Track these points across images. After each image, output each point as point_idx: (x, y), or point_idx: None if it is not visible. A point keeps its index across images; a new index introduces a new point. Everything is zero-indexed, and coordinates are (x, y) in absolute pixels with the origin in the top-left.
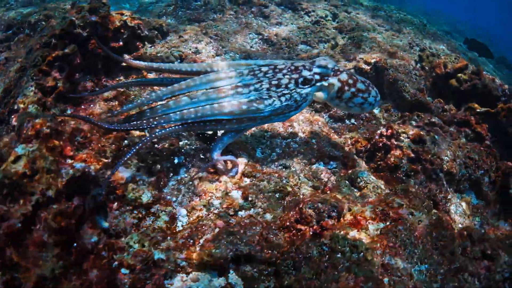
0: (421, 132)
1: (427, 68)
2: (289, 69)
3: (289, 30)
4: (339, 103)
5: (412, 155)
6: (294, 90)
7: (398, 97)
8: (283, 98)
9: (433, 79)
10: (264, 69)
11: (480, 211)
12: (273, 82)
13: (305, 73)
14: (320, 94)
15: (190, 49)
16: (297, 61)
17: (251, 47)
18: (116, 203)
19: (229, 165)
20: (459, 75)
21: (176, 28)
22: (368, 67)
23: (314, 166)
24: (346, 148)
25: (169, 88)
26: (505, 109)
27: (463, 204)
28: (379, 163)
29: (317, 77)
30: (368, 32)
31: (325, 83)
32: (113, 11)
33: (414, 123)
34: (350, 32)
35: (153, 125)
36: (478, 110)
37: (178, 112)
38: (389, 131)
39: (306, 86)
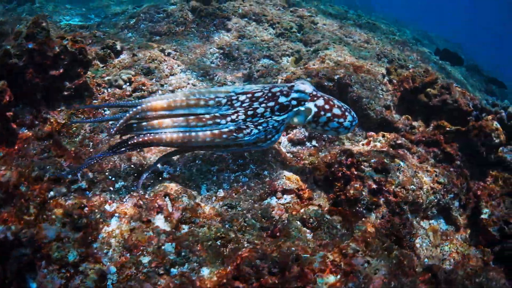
0: (385, 160)
1: (395, 81)
2: (266, 97)
3: (251, 43)
4: (316, 126)
5: (374, 186)
6: (270, 118)
7: (363, 116)
8: (260, 127)
9: (401, 94)
10: (241, 97)
11: (449, 238)
12: (249, 113)
13: (282, 100)
14: (296, 119)
15: (142, 70)
16: (275, 86)
17: (211, 62)
18: (43, 261)
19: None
20: (428, 89)
21: (131, 45)
22: (331, 84)
23: (265, 202)
24: (304, 177)
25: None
26: (476, 127)
27: (430, 234)
28: (338, 193)
29: (294, 102)
30: (334, 44)
31: (302, 108)
32: (54, 35)
33: (379, 144)
34: (314, 44)
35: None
36: (448, 128)
37: (162, 133)
38: (349, 160)
39: (282, 113)
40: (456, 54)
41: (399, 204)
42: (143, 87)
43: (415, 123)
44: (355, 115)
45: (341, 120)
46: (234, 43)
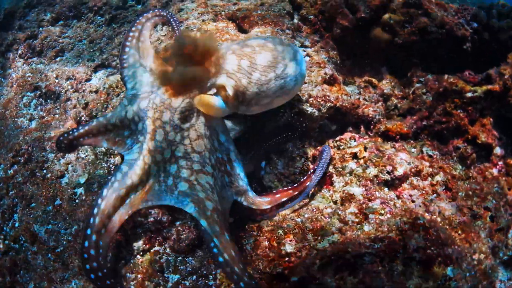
0: None
1: (312, 18)
2: None
3: None
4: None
5: None
6: None
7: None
8: None
9: (334, 38)
10: None
11: None
12: None
13: None
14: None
15: None
16: None
17: None
18: None
19: None
20: (386, 16)
21: None
22: None
23: None
24: None
25: None
26: None
27: None
28: None
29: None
30: None
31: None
32: None
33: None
34: None
35: None
36: (469, 93)
37: None
38: None
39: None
40: None
41: None
42: None
43: (385, 87)
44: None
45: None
46: None
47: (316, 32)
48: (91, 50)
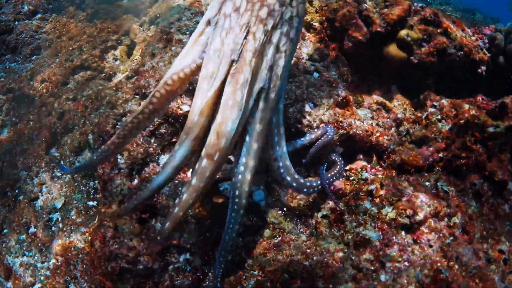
0: None
1: (317, 26)
2: None
3: None
4: None
5: None
6: None
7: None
8: None
9: (344, 49)
10: None
11: None
12: None
13: None
14: None
15: None
16: None
17: None
18: None
19: None
20: (404, 32)
21: None
22: None
23: None
24: None
25: None
26: None
27: None
28: None
29: None
30: None
31: None
32: None
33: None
34: None
35: None
36: (489, 128)
37: None
38: None
39: None
40: None
41: None
42: None
43: (398, 110)
44: None
45: None
46: None
47: (321, 41)
48: (70, 49)
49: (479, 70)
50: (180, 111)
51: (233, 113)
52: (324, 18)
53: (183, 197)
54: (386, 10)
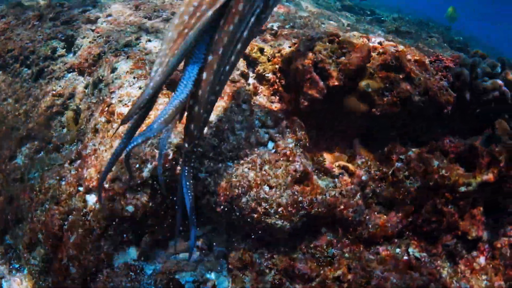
0: None
1: (270, 77)
2: None
3: None
4: None
5: None
6: None
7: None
8: None
9: (298, 106)
10: None
11: None
12: None
13: None
14: None
15: None
16: None
17: None
18: None
19: None
20: (364, 82)
21: None
22: None
23: None
24: None
25: None
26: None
27: None
28: None
29: None
30: None
31: None
32: None
33: None
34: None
35: None
36: (461, 187)
37: None
38: None
39: None
40: None
41: None
42: None
43: (362, 171)
44: None
45: None
46: None
47: (275, 94)
48: (16, 114)
49: (445, 111)
50: (126, 213)
51: None
52: (277, 67)
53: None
54: (344, 58)
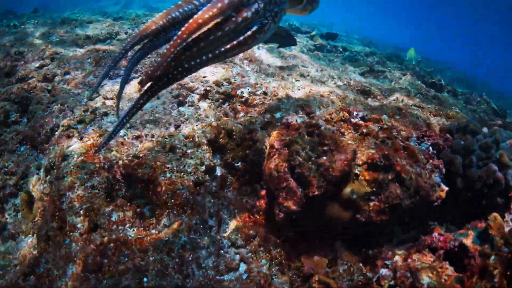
0: None
1: None
2: None
3: None
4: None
5: None
6: None
7: None
8: None
9: (280, 221)
10: None
11: None
12: None
13: None
14: None
15: None
16: None
17: None
18: None
19: None
20: (347, 192)
21: None
22: None
23: None
24: None
25: None
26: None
27: None
28: None
29: None
30: None
31: None
32: None
33: None
34: None
35: None
36: None
37: None
38: None
39: None
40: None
41: None
42: None
43: (341, 278)
44: None
45: None
46: None
47: (247, 184)
48: None
49: (436, 204)
50: None
51: None
52: (248, 152)
53: None
54: (325, 159)
